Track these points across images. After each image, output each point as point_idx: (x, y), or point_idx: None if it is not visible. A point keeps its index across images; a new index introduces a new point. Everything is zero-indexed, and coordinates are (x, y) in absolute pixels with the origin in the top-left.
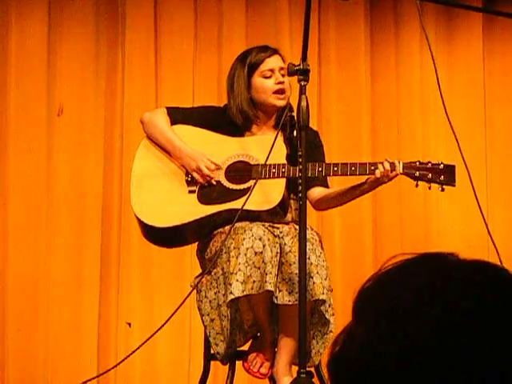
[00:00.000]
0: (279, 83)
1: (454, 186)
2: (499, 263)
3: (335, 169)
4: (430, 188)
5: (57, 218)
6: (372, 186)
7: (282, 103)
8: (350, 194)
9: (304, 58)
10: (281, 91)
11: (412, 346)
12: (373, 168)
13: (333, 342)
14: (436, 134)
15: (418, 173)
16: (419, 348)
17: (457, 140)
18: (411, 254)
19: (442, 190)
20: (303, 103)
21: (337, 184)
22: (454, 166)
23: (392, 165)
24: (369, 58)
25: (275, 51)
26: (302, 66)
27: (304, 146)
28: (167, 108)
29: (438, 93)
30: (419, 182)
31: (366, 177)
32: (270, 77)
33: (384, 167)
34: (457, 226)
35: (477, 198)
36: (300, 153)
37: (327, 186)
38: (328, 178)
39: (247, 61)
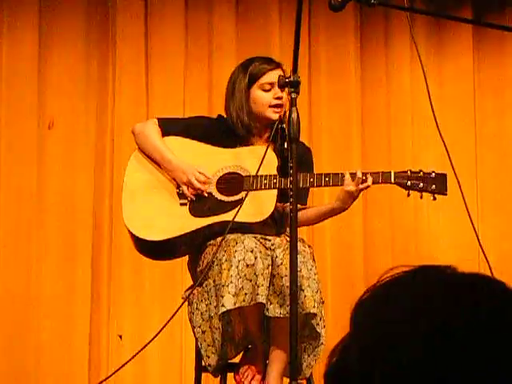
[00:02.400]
0: (277, 98)
1: (445, 194)
2: (490, 273)
3: (326, 179)
4: (421, 197)
5: (47, 232)
6: (345, 203)
7: (277, 117)
8: (322, 218)
9: (295, 70)
10: (278, 106)
11: (410, 358)
12: (365, 178)
13: (330, 353)
14: (426, 146)
15: (409, 182)
16: (417, 361)
17: (447, 152)
18: (409, 266)
19: (434, 198)
20: (294, 115)
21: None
22: (445, 175)
23: (355, 176)
24: (359, 69)
25: (278, 65)
26: (292, 79)
27: (295, 158)
28: (158, 119)
29: (429, 104)
30: (411, 192)
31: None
32: (268, 90)
33: (357, 176)
34: (447, 236)
35: (467, 209)
36: (291, 164)
37: (305, 203)
38: (308, 197)
39: (249, 70)
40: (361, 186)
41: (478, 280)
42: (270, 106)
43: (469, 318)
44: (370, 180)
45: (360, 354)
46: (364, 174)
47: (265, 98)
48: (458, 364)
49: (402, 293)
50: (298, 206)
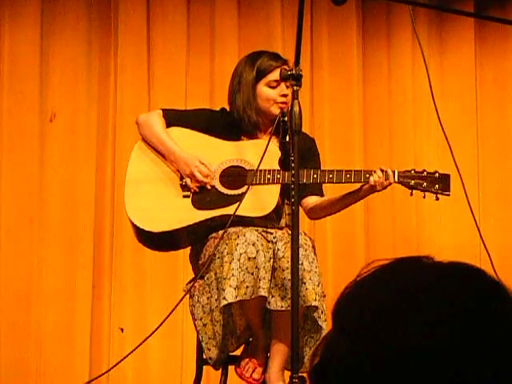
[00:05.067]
0: (283, 95)
1: (448, 195)
2: (492, 270)
3: (330, 176)
4: (424, 197)
5: (49, 224)
6: (366, 194)
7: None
8: (343, 202)
9: (297, 64)
10: (283, 103)
11: (389, 353)
12: (368, 176)
13: (313, 352)
14: (428, 140)
15: (412, 182)
16: (396, 355)
17: (449, 145)
18: (386, 260)
19: (437, 199)
20: (296, 108)
21: (329, 190)
22: (448, 175)
23: (386, 174)
24: (361, 63)
25: (285, 62)
26: (294, 72)
27: (297, 150)
28: (163, 110)
29: (431, 98)
30: (414, 191)
31: (360, 184)
32: (275, 87)
33: (378, 176)
34: (449, 233)
35: (469, 205)
36: (293, 158)
37: (322, 195)
38: (323, 186)
39: (256, 64)
40: (385, 183)
41: (455, 268)
42: (276, 103)
43: (447, 308)
44: (391, 177)
45: (342, 352)
46: (369, 171)
47: (271, 95)
48: (441, 355)
49: (380, 287)
50: (318, 197)
